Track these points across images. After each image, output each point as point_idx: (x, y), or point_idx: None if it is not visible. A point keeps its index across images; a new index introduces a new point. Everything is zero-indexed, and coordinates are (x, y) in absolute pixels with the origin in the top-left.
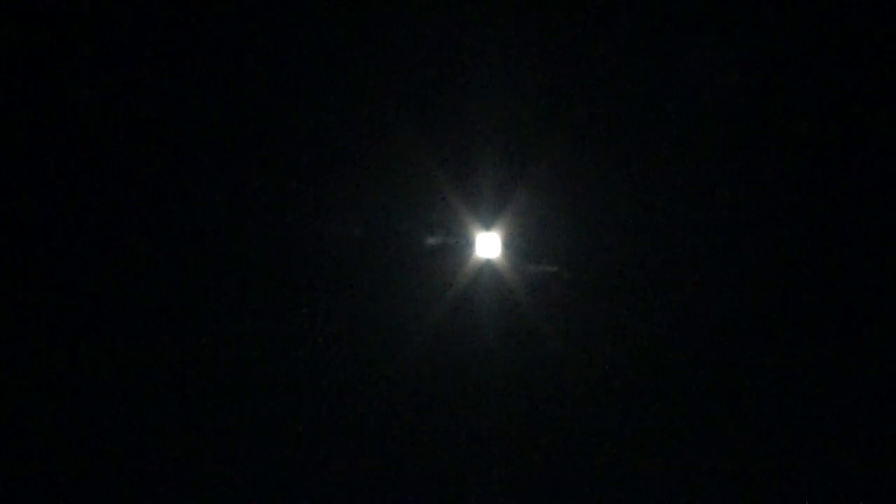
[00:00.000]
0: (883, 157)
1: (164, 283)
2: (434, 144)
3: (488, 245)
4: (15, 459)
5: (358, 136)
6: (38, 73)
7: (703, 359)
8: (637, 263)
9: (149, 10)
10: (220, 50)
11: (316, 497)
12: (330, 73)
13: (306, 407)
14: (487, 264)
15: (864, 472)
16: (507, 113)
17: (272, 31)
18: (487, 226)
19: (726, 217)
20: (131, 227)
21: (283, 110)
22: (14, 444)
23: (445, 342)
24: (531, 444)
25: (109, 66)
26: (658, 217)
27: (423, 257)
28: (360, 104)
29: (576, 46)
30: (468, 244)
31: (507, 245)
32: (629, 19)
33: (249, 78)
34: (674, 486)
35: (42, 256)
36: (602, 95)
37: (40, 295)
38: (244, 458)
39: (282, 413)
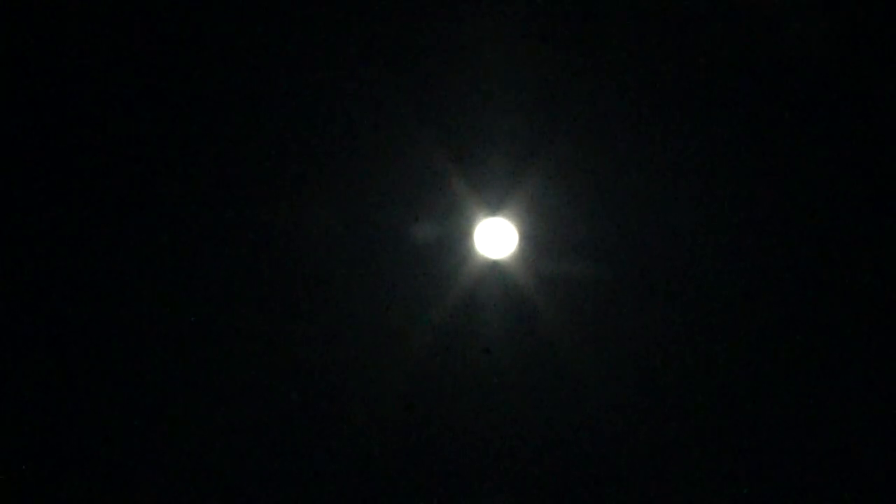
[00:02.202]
0: None
1: (154, 284)
2: (432, 120)
3: (495, 239)
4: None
5: (346, 112)
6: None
7: (738, 370)
8: (668, 262)
9: None
10: (205, 37)
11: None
12: (318, 51)
13: (295, 414)
14: (495, 263)
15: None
16: (519, 82)
17: (261, 17)
18: (495, 213)
19: (763, 208)
20: (112, 220)
21: (268, 93)
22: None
23: (446, 351)
24: (540, 464)
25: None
26: (691, 207)
27: (419, 253)
28: (350, 80)
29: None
30: (471, 238)
31: (518, 239)
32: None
33: (236, 65)
34: (693, 498)
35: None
36: (633, 65)
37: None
38: (233, 463)
39: (271, 418)
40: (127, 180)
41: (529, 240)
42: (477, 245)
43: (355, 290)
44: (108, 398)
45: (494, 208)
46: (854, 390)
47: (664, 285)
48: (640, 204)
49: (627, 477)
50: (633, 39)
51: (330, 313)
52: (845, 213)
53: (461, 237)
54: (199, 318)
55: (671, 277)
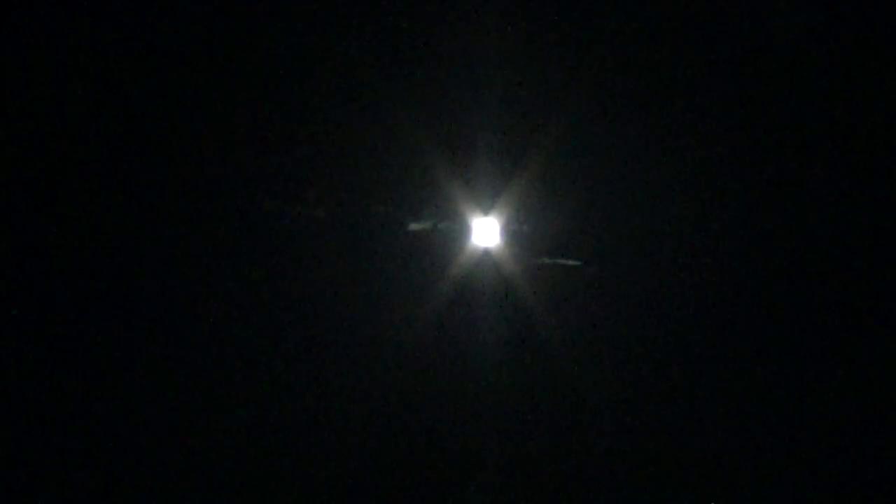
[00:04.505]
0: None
1: (148, 279)
2: (426, 120)
3: (486, 232)
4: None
5: (343, 111)
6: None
7: (715, 359)
8: (647, 254)
9: None
10: (205, 37)
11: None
12: (316, 49)
13: (291, 406)
14: (485, 253)
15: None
16: (507, 86)
17: (260, 17)
18: (485, 211)
19: (739, 208)
20: (111, 218)
21: (268, 88)
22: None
23: (438, 338)
24: (528, 449)
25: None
26: (669, 204)
27: (414, 245)
28: (346, 79)
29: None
30: (464, 231)
31: (507, 232)
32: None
33: (235, 65)
34: (680, 489)
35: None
36: (613, 70)
37: None
38: (229, 463)
39: (264, 413)
40: (126, 179)
41: (513, 236)
42: (469, 239)
43: (357, 284)
44: (107, 397)
45: (485, 207)
46: (846, 385)
47: (637, 275)
48: (614, 203)
49: (613, 460)
50: (617, 45)
51: (333, 306)
52: (834, 208)
53: (454, 232)
54: (197, 315)
55: (644, 268)
